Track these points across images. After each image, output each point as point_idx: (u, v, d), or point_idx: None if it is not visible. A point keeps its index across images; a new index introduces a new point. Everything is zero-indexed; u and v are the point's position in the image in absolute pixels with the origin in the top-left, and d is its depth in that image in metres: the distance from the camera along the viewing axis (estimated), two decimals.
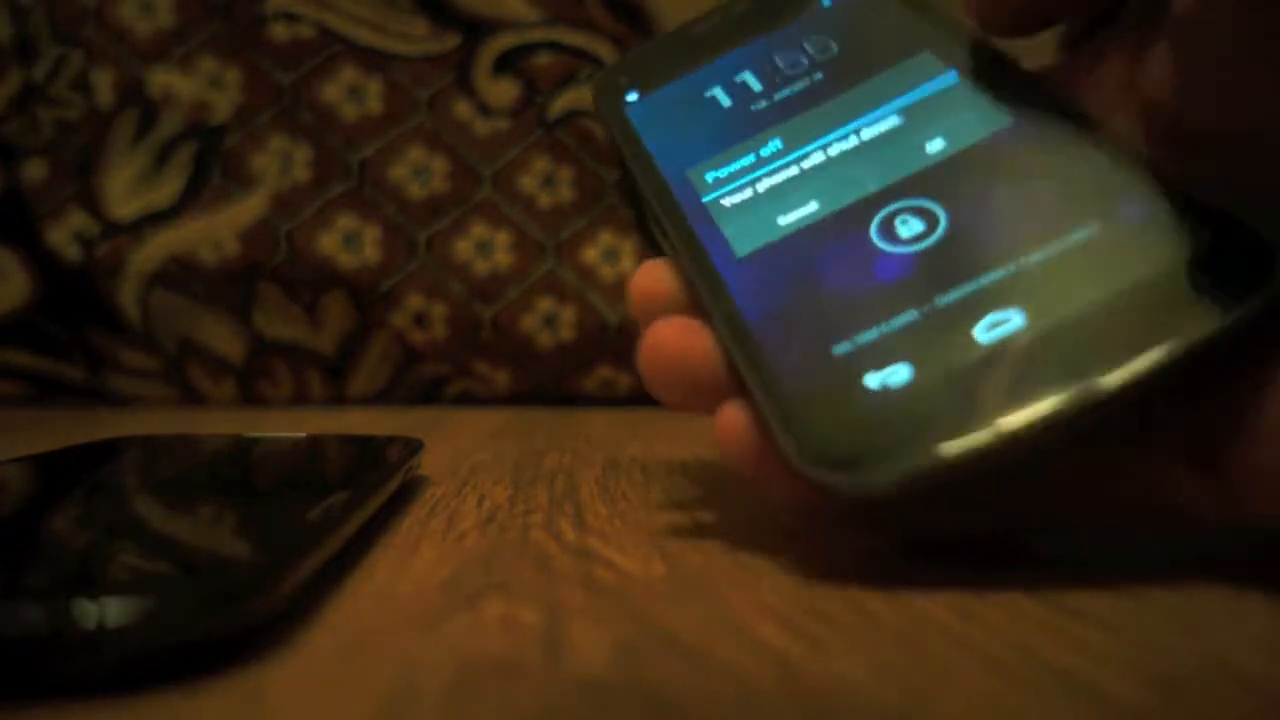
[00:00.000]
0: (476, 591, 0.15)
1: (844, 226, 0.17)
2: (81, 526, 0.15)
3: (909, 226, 0.16)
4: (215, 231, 0.51)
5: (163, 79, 0.51)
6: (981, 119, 0.17)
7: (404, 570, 0.16)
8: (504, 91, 0.51)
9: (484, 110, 0.51)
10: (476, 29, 0.51)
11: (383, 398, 0.54)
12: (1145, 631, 0.13)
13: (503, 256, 0.51)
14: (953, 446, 0.13)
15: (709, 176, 0.19)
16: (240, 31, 0.51)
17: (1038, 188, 0.16)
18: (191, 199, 0.51)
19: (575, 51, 0.51)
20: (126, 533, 0.15)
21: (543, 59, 0.51)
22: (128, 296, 0.51)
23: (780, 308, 0.16)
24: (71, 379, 0.52)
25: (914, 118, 0.18)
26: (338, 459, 0.23)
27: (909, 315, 0.15)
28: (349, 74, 0.51)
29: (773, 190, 0.18)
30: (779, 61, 0.21)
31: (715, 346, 0.17)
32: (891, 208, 0.17)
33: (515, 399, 0.54)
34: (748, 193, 0.19)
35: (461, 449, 0.32)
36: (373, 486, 0.19)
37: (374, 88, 0.51)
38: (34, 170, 0.51)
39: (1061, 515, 0.16)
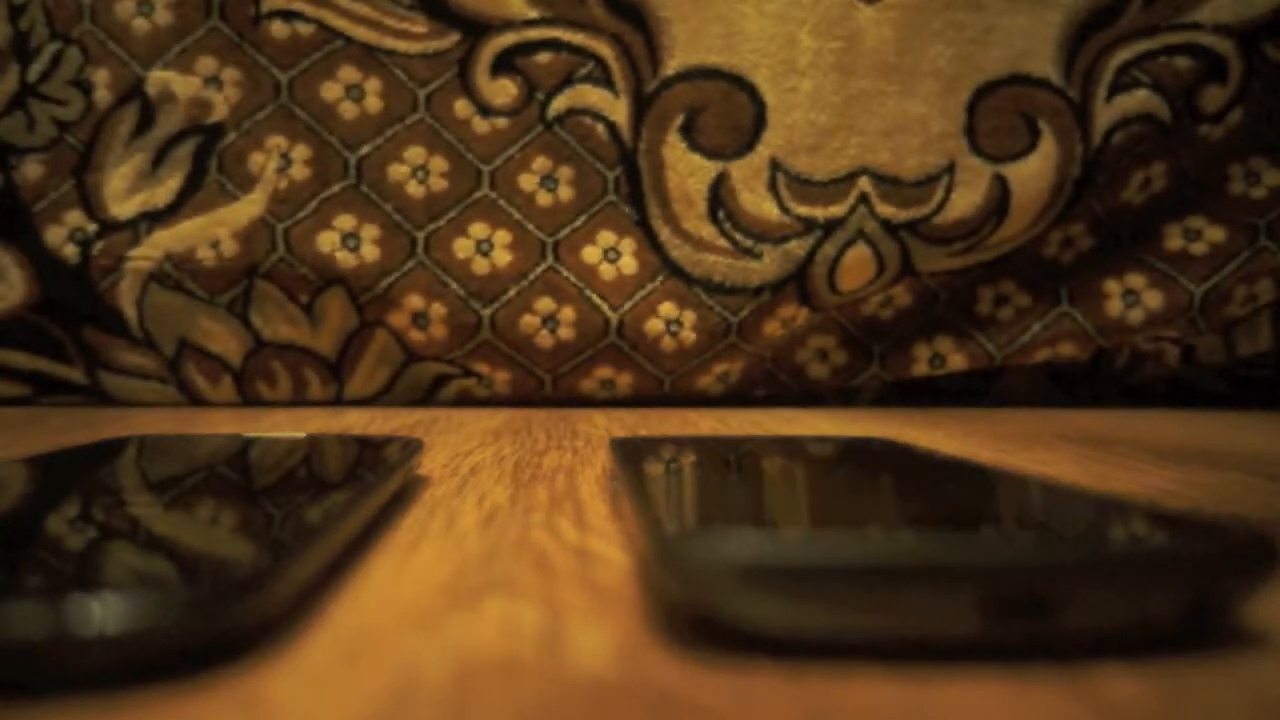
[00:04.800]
0: (476, 591, 0.15)
1: None
2: (81, 526, 0.15)
3: None
4: (213, 230, 0.51)
5: (160, 77, 0.51)
6: None
7: (404, 570, 0.16)
8: (503, 90, 0.51)
9: (483, 109, 0.51)
10: (476, 27, 0.51)
11: (382, 398, 0.54)
12: None
13: (502, 255, 0.51)
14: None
15: None
16: (238, 29, 0.51)
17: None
18: (189, 198, 0.51)
19: (575, 50, 0.51)
20: (126, 532, 0.15)
21: (542, 58, 0.51)
22: (125, 296, 0.51)
23: None
24: (70, 379, 0.52)
25: None
26: (338, 459, 0.23)
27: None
28: (347, 72, 0.51)
29: None
30: None
31: None
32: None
33: (515, 399, 0.54)
34: None
35: (461, 449, 0.32)
36: (373, 486, 0.19)
37: (372, 86, 0.51)
38: (31, 169, 0.50)
39: None
